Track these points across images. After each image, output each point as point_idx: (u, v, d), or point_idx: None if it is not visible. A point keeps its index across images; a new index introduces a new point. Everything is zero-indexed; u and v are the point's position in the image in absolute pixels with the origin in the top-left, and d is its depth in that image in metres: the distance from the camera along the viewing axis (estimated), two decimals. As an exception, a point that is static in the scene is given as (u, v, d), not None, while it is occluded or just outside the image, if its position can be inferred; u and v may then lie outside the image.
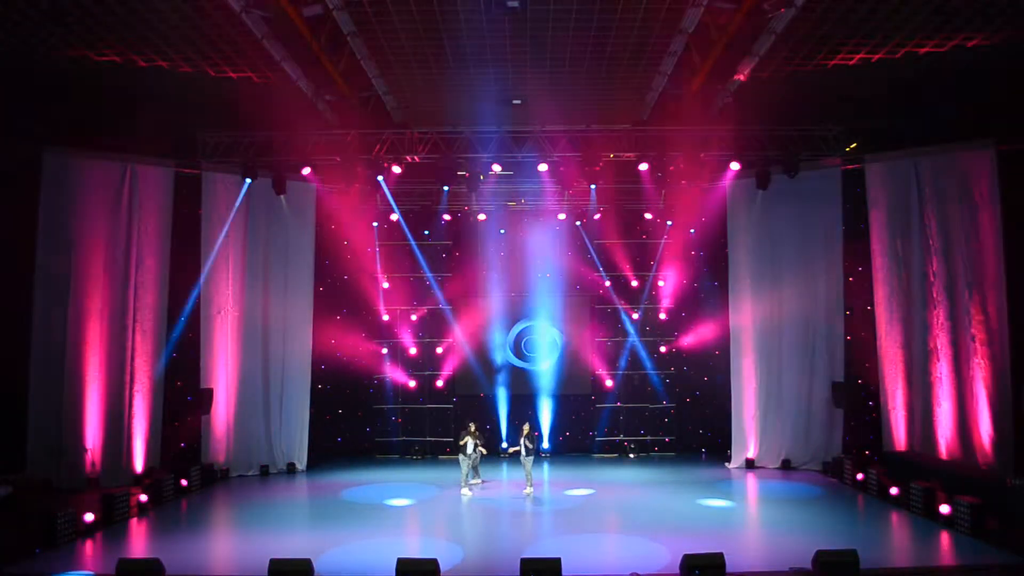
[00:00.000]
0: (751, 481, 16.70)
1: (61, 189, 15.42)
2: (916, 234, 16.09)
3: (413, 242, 20.50)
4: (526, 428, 15.43)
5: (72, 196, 15.54)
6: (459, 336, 20.46)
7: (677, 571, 9.43)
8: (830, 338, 17.27)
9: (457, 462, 15.65)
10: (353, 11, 11.95)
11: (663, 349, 20.39)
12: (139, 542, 11.95)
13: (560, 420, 20.30)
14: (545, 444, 19.71)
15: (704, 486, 16.01)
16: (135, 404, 16.07)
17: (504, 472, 17.80)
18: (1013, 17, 12.40)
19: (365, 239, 20.12)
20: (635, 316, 20.48)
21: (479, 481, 16.04)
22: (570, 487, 15.87)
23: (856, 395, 16.97)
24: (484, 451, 15.84)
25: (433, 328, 20.63)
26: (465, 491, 15.23)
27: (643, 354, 20.41)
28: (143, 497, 14.00)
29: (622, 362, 20.49)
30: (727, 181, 18.00)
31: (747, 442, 17.95)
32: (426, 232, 20.51)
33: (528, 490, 15.12)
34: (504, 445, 15.86)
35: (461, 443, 15.37)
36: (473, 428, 15.57)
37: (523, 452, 15.10)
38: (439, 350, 20.56)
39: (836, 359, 17.21)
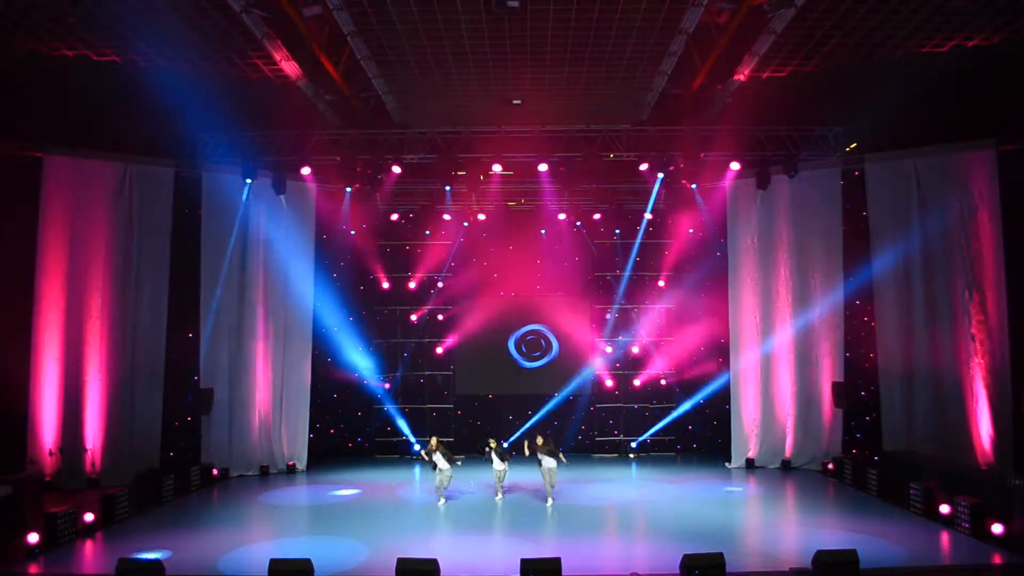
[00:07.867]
0: (751, 481, 16.68)
1: (61, 189, 15.41)
2: (916, 234, 16.10)
3: (413, 242, 20.53)
4: (540, 440, 14.41)
5: (72, 196, 15.53)
6: (459, 336, 20.44)
7: (677, 571, 9.42)
8: (830, 338, 17.25)
9: (458, 464, 14.74)
10: (353, 11, 11.94)
11: (663, 348, 20.38)
12: (139, 542, 11.93)
13: (560, 420, 20.29)
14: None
15: (704, 486, 16.01)
16: (134, 405, 16.07)
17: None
18: (1013, 17, 12.41)
19: (365, 239, 20.13)
20: (636, 316, 20.47)
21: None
22: (570, 487, 15.85)
23: (856, 395, 16.97)
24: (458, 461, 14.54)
25: (433, 328, 20.62)
26: (441, 502, 14.52)
27: (643, 354, 20.40)
28: (142, 497, 13.97)
29: (622, 362, 20.50)
30: (727, 181, 17.99)
31: (747, 442, 17.95)
32: (426, 232, 20.52)
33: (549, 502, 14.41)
34: (505, 446, 15.69)
35: (426, 455, 14.42)
36: (434, 442, 14.49)
37: (550, 462, 14.21)
38: (439, 350, 20.57)
39: (836, 359, 17.19)
